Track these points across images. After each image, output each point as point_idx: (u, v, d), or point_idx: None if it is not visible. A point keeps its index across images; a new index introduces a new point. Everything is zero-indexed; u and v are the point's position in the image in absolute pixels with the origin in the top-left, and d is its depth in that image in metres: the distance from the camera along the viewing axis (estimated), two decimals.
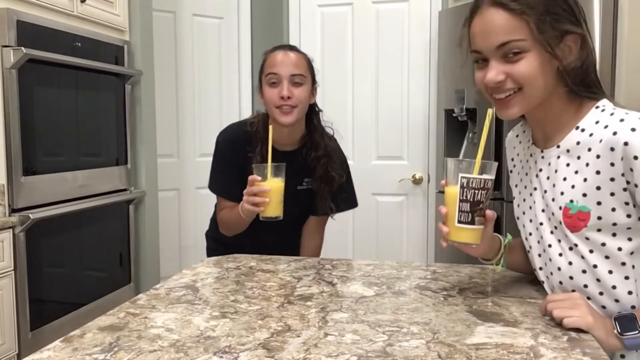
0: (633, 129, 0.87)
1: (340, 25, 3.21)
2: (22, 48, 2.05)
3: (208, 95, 3.33)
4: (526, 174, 1.07)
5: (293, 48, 1.57)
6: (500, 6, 0.90)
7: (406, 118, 3.14)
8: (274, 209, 1.40)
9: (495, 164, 0.95)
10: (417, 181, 3.11)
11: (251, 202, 1.40)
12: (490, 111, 0.96)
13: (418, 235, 3.16)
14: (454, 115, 2.69)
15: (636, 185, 0.87)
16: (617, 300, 0.93)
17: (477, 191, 0.93)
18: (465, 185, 0.93)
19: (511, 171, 1.15)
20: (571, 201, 0.93)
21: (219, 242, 1.73)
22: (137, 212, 2.88)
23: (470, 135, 2.66)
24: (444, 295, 1.08)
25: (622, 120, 0.89)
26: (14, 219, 2.07)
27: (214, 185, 1.68)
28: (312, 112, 1.62)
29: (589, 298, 0.94)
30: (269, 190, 1.38)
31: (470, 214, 0.94)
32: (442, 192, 1.00)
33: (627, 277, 0.92)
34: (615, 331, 0.86)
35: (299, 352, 0.79)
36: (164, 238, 3.14)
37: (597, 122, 0.93)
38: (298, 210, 1.63)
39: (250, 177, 1.40)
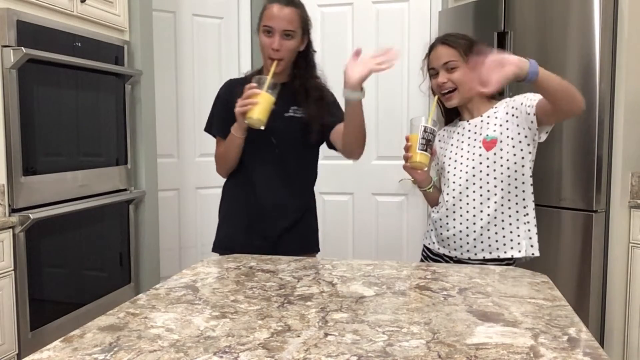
0: (514, 98, 1.65)
1: (340, 25, 3.21)
2: (22, 48, 2.05)
3: (208, 96, 3.32)
4: (450, 137, 1.78)
5: (290, 3, 1.69)
6: (445, 44, 1.67)
7: (406, 118, 3.13)
8: (260, 111, 1.52)
9: (437, 123, 1.62)
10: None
11: (242, 105, 1.54)
12: (436, 97, 1.70)
13: (418, 235, 3.16)
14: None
15: (514, 103, 1.62)
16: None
17: (428, 134, 1.56)
18: (424, 130, 1.56)
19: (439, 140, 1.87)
20: (487, 135, 1.65)
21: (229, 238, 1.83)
22: (137, 212, 2.88)
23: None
24: (444, 295, 1.08)
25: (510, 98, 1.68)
26: (14, 219, 2.07)
27: (207, 124, 1.88)
28: (300, 56, 1.78)
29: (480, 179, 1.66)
30: (260, 93, 1.52)
31: (425, 146, 1.56)
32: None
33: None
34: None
35: (299, 352, 0.79)
36: (164, 238, 3.14)
37: (501, 103, 1.69)
38: (288, 136, 1.75)
39: (247, 85, 1.55)
